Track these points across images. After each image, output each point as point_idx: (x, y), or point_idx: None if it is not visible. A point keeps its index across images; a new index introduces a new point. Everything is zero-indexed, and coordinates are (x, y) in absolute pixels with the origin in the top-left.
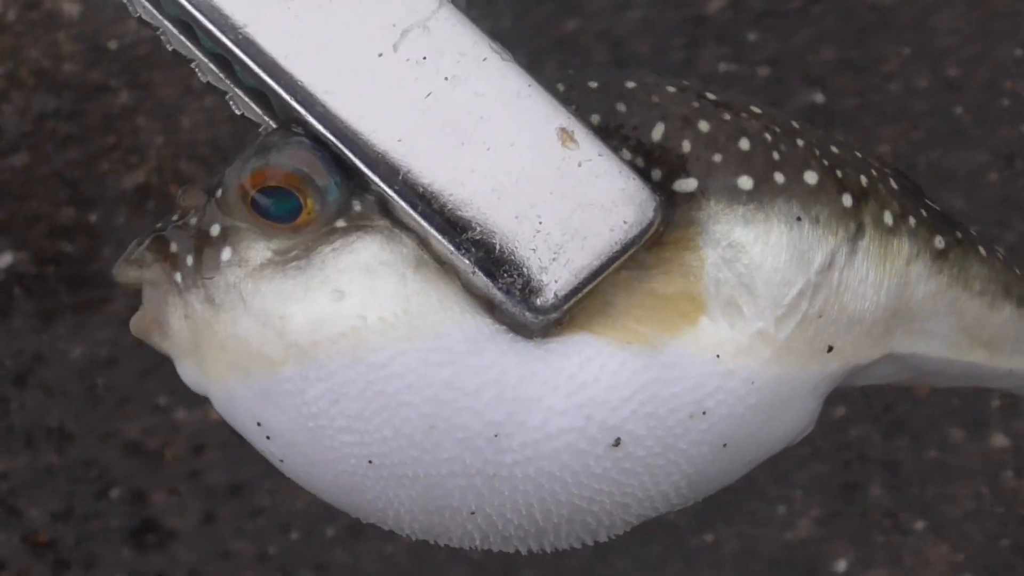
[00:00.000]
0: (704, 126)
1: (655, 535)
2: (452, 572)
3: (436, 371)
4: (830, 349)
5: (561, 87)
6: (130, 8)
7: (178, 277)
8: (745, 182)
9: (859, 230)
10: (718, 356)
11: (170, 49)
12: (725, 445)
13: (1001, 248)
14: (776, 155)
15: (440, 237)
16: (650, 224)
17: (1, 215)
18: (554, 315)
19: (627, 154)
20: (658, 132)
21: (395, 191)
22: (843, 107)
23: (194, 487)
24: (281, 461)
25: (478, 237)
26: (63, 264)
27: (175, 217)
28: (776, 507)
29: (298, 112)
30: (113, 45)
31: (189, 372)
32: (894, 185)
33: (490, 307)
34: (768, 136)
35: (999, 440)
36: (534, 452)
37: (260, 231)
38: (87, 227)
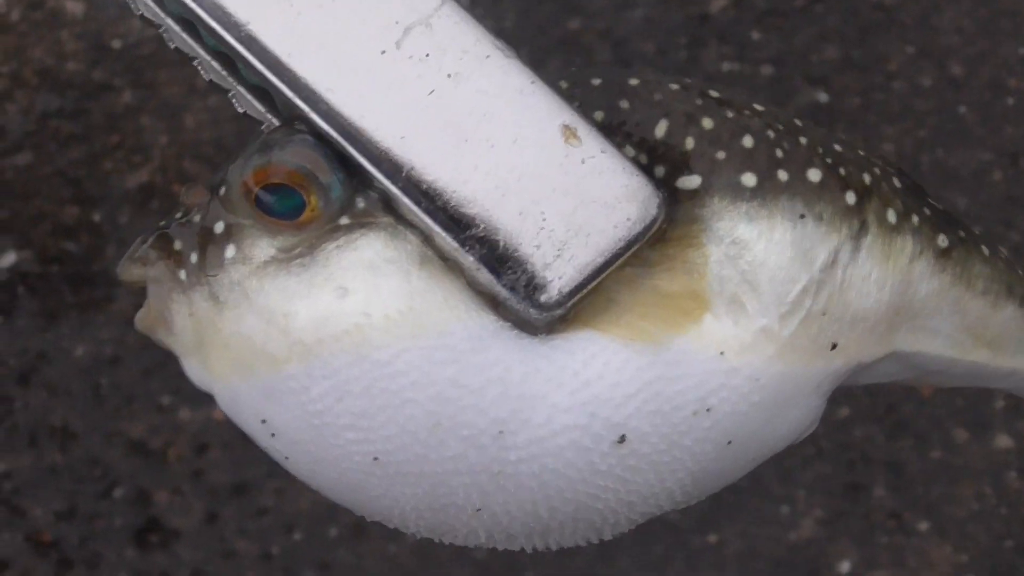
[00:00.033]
0: (707, 123)
1: (658, 535)
2: (456, 572)
3: (440, 368)
4: (834, 346)
5: (564, 84)
6: (133, 6)
7: (182, 274)
8: (749, 179)
9: (862, 228)
10: (722, 353)
11: (172, 47)
12: (729, 442)
13: (1005, 247)
14: (779, 152)
15: (444, 234)
16: (654, 221)
17: (5, 214)
18: (558, 312)
19: (630, 151)
20: (661, 129)
21: (399, 188)
22: (846, 106)
23: (197, 487)
24: (286, 459)
25: (482, 234)
26: (67, 263)
27: (179, 215)
28: (779, 507)
29: (301, 109)
30: (117, 44)
31: (194, 370)
32: (897, 183)
33: (494, 304)
34: (771, 134)
35: (1003, 441)
36: (539, 449)
37: (264, 228)
38: (91, 226)
